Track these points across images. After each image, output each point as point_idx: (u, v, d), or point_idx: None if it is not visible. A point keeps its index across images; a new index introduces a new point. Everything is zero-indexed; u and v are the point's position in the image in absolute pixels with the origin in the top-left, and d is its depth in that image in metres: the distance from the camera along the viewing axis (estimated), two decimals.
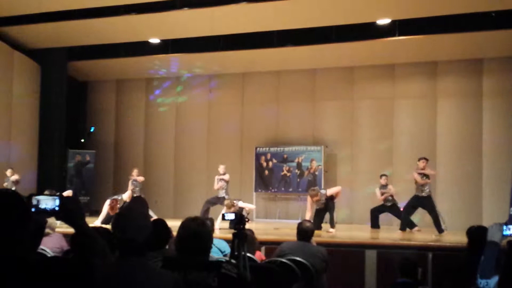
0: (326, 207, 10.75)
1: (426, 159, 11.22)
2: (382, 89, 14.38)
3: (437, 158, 13.61)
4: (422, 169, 11.10)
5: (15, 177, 12.19)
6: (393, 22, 11.98)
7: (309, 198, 10.80)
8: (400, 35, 12.25)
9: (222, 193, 12.31)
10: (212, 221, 5.99)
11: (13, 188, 11.85)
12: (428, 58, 13.71)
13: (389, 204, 11.97)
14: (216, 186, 12.42)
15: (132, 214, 2.71)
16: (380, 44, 12.86)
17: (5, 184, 12.08)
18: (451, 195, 13.29)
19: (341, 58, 13.97)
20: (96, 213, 12.85)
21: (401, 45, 12.82)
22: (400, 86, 14.24)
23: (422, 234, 10.49)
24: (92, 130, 16.60)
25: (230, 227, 9.17)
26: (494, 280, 3.36)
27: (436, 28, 11.96)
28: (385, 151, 14.03)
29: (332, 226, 10.51)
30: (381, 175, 12.23)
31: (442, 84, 13.85)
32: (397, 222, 11.82)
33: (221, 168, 12.52)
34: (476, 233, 4.92)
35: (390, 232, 10.80)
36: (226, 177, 12.41)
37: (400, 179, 13.40)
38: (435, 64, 13.90)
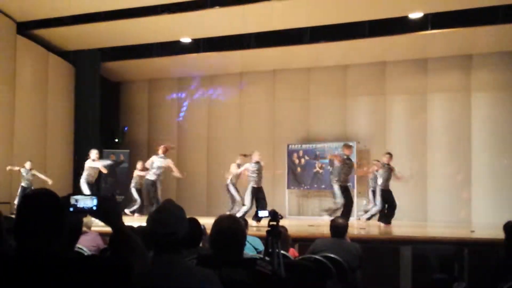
0: None
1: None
2: (415, 84, 14.22)
3: (472, 152, 13.43)
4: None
5: (32, 172, 12.12)
6: (426, 15, 11.85)
7: None
8: (432, 28, 12.11)
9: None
10: (245, 220, 6.01)
11: (25, 184, 11.98)
12: (462, 51, 13.51)
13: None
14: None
15: (172, 208, 2.73)
16: (413, 38, 12.74)
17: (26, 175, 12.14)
18: (486, 189, 13.09)
19: (373, 53, 13.87)
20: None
21: (434, 39, 12.67)
22: (433, 80, 14.06)
23: (458, 229, 10.34)
24: (125, 129, 16.80)
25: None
26: None
27: (469, 20, 11.78)
28: (419, 146, 13.87)
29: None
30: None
31: (477, 77, 13.63)
32: (433, 217, 11.69)
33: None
34: None
35: (425, 228, 10.69)
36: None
37: (435, 173, 13.27)
38: (469, 58, 13.68)
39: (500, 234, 4.87)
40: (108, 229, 2.19)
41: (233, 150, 15.56)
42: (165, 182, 13.70)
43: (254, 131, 15.46)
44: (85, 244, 5.27)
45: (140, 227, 4.28)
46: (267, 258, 3.86)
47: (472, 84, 13.67)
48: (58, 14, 12.30)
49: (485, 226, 10.62)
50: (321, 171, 14.68)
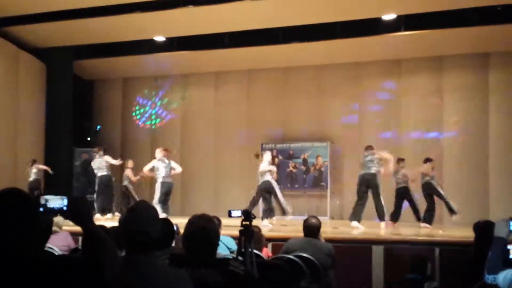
0: None
1: None
2: (388, 85, 14.34)
3: (443, 153, 13.58)
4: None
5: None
6: (399, 17, 11.95)
7: None
8: (405, 30, 12.22)
9: None
10: (219, 219, 5.99)
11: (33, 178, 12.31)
12: (434, 53, 13.66)
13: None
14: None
15: (145, 208, 2.73)
16: (386, 39, 12.82)
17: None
18: (457, 189, 13.24)
19: (346, 54, 13.94)
20: (102, 211, 12.88)
21: (407, 41, 12.78)
22: (406, 81, 14.20)
23: (429, 229, 10.45)
24: (98, 128, 16.64)
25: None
26: (502, 275, 3.35)
27: (442, 22, 11.93)
28: (392, 147, 13.96)
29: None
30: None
31: (448, 79, 13.80)
32: (405, 218, 11.80)
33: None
34: (483, 228, 4.91)
35: (397, 228, 10.78)
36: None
37: None
38: (441, 59, 13.85)
39: (470, 234, 4.94)
40: (79, 228, 2.16)
41: (208, 150, 15.55)
42: (139, 183, 13.76)
43: (228, 131, 15.44)
44: (56, 244, 5.20)
45: (112, 228, 4.24)
46: (240, 258, 3.86)
47: (444, 85, 13.84)
48: (29, 11, 12.12)
49: (457, 225, 10.74)
50: (294, 170, 14.72)
